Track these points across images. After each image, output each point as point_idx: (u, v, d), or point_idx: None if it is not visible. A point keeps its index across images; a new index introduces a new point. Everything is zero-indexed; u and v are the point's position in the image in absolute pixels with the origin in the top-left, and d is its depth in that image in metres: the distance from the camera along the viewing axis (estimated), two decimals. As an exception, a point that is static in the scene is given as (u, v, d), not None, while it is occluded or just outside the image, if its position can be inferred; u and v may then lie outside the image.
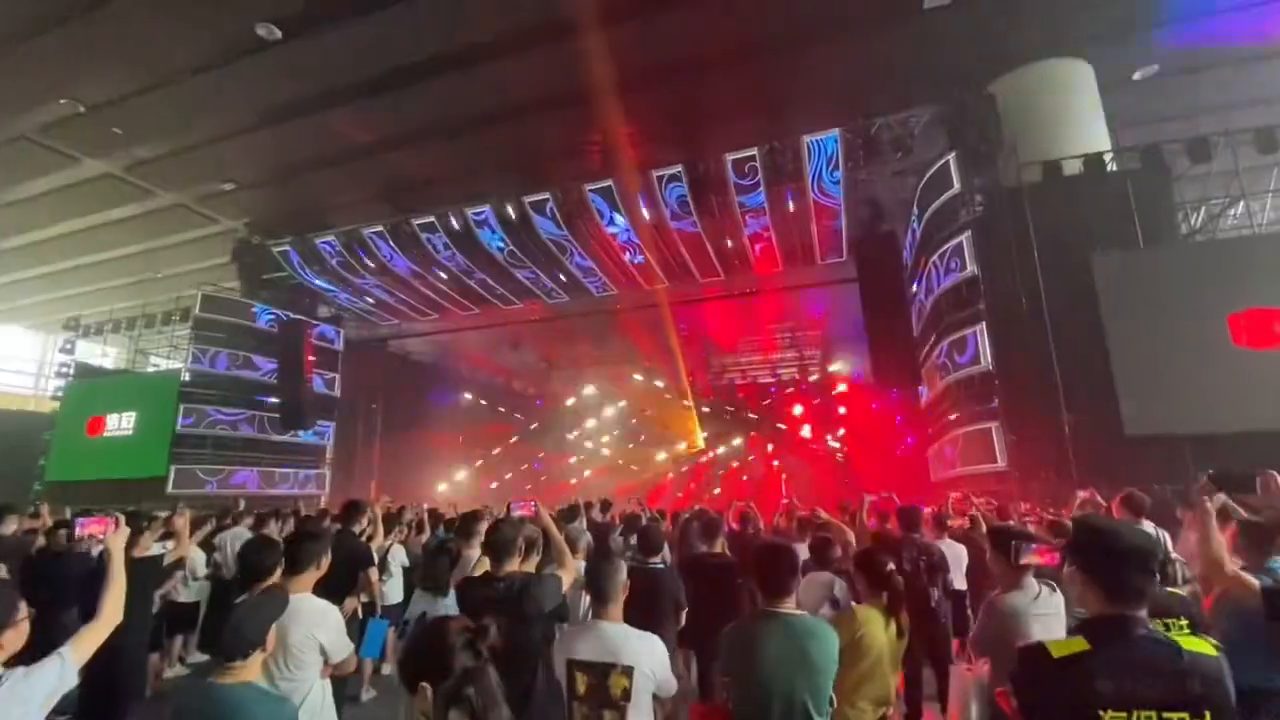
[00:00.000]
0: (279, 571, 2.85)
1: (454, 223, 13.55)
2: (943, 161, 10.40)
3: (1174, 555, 4.47)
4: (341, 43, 9.72)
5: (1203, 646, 1.51)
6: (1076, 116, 10.68)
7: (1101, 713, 1.42)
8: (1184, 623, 2.86)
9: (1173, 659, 1.47)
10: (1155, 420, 8.50)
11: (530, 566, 3.42)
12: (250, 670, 2.06)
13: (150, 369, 17.76)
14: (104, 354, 18.69)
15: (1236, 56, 10.65)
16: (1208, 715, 1.42)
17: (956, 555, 5.24)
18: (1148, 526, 4.64)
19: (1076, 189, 9.69)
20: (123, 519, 2.28)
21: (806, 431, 20.01)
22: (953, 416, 10.91)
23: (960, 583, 5.30)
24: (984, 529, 3.92)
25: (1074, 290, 9.14)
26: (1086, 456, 8.76)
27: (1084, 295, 9.04)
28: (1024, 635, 2.71)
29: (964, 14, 9.39)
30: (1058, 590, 2.90)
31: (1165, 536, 4.60)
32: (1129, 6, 9.56)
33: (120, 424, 14.91)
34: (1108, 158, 9.97)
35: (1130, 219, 9.33)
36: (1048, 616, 2.79)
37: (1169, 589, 3.17)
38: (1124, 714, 1.43)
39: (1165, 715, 1.42)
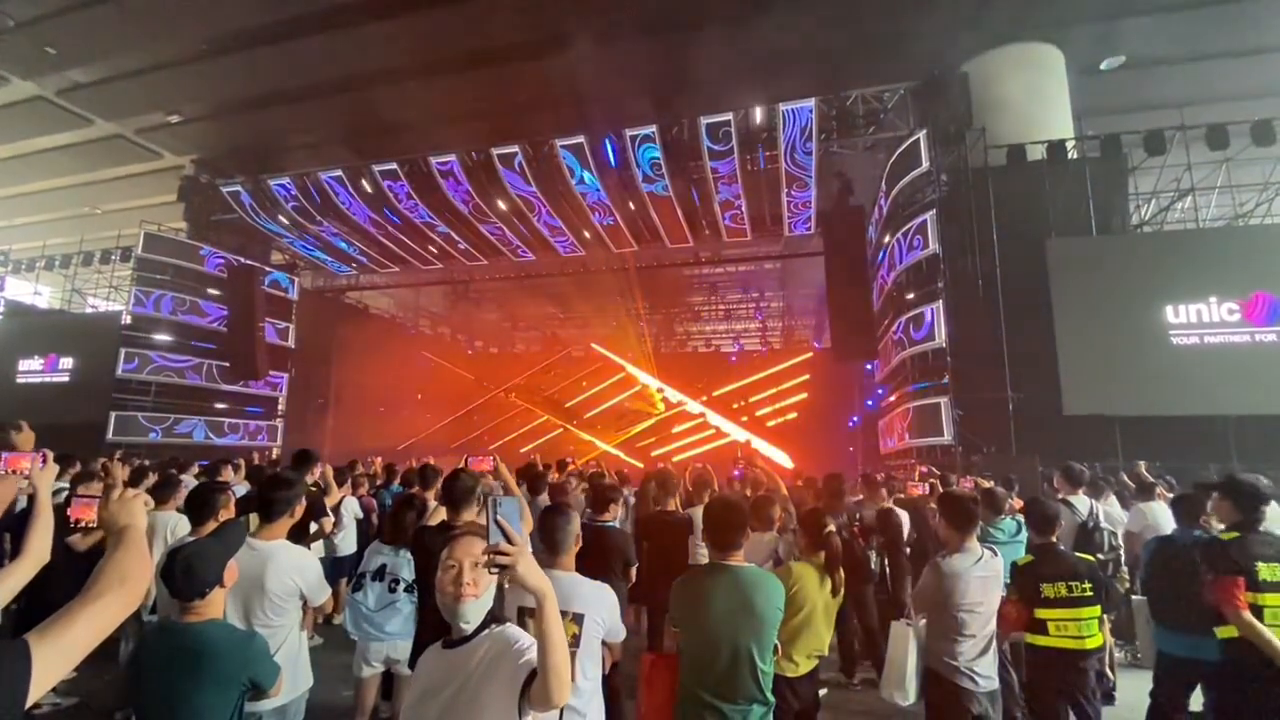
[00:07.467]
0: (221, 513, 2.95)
1: (418, 171, 13.07)
2: (913, 139, 10.45)
3: (1103, 524, 4.75)
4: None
5: None
6: (1043, 101, 10.86)
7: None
8: (1087, 585, 3.06)
9: None
10: (1091, 401, 8.95)
11: (484, 520, 3.41)
12: (213, 608, 2.04)
13: (88, 310, 16.85)
14: (36, 292, 17.62)
15: (1199, 53, 10.93)
16: None
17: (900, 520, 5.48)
18: (1084, 497, 4.91)
19: (1038, 174, 9.93)
20: (50, 455, 2.14)
21: (765, 398, 20.36)
22: (905, 390, 11.23)
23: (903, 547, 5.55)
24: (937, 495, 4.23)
25: (1028, 273, 9.46)
26: (1026, 432, 9.17)
27: (1037, 278, 9.36)
28: (962, 595, 2.85)
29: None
30: (999, 555, 3.05)
31: (1098, 506, 4.88)
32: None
33: (55, 365, 14.17)
34: (1070, 145, 10.20)
35: (1086, 206, 9.65)
36: (986, 579, 2.92)
37: (1080, 554, 3.38)
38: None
39: None
